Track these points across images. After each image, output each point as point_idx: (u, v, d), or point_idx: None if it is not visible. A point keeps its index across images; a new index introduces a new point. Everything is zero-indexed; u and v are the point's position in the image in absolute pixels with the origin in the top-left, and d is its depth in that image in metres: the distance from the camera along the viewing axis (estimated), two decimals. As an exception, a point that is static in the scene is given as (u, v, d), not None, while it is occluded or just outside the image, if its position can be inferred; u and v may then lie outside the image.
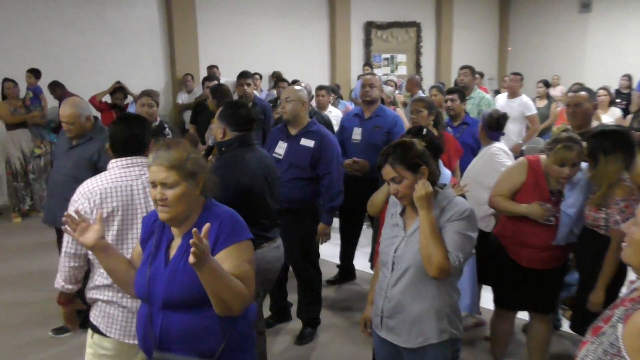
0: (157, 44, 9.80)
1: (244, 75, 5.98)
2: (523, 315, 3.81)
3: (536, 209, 3.19)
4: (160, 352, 2.05)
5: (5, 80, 7.48)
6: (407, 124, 5.12)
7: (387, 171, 2.43)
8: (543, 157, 3.28)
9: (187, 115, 8.90)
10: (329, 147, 4.00)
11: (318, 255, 4.34)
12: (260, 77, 9.90)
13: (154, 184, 2.04)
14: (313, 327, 4.31)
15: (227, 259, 2.00)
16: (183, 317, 2.03)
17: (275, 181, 3.36)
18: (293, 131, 4.07)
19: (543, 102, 8.48)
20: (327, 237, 4.12)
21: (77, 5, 8.84)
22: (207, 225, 1.86)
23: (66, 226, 2.11)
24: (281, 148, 4.09)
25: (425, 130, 3.10)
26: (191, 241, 1.76)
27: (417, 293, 2.42)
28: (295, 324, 4.36)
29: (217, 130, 3.25)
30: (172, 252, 2.12)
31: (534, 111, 7.01)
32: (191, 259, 1.78)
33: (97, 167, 3.86)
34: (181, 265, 2.04)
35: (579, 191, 3.24)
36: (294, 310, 4.45)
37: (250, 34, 10.77)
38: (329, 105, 6.96)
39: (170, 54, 9.92)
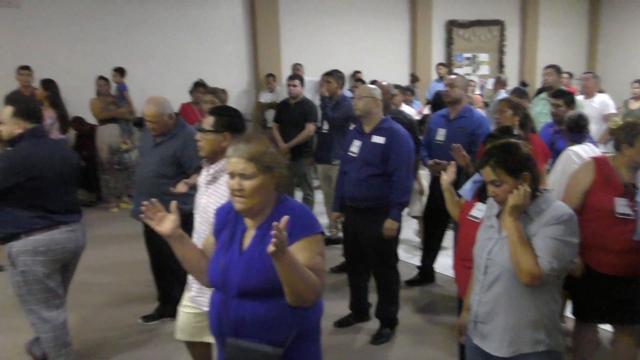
0: (240, 44, 10.04)
1: (329, 74, 6.07)
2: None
3: None
4: (234, 339, 2.13)
5: (99, 78, 7.88)
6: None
7: (487, 173, 2.38)
8: (610, 155, 3.17)
9: (269, 114, 9.09)
10: (398, 143, 4.00)
11: (396, 256, 4.33)
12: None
13: (232, 175, 2.14)
14: (391, 327, 4.30)
15: (300, 251, 2.07)
16: (257, 305, 2.11)
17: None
18: (367, 129, 4.11)
19: (638, 104, 8.05)
20: (393, 233, 4.09)
21: (165, 6, 9.22)
22: (285, 218, 1.93)
23: (144, 214, 2.24)
24: (356, 146, 4.14)
25: (514, 130, 3.03)
26: (272, 232, 1.84)
27: (511, 300, 2.36)
28: (375, 324, 4.37)
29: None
30: (246, 242, 2.20)
31: (612, 110, 6.66)
32: (271, 248, 1.85)
33: (180, 163, 4.03)
34: (256, 255, 2.12)
35: None
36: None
37: (332, 34, 10.85)
38: (402, 104, 6.92)
39: (253, 53, 10.15)
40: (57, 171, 3.44)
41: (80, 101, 7.85)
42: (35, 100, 3.72)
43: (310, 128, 6.40)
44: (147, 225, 4.16)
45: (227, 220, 2.30)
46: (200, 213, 2.95)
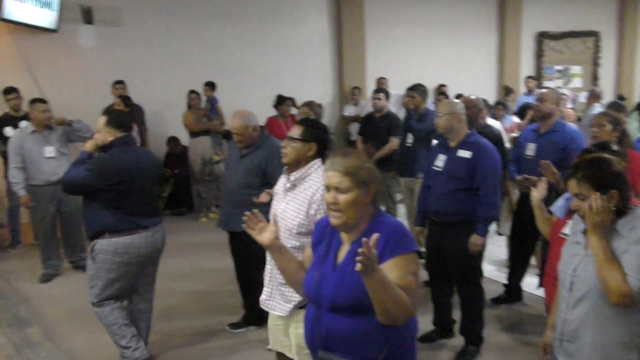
0: (326, 57, 10.20)
1: (412, 89, 6.07)
2: None
3: None
4: (325, 352, 2.16)
5: (191, 92, 8.22)
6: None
7: (572, 186, 2.31)
8: None
9: (353, 127, 9.15)
10: (485, 157, 3.94)
11: (481, 272, 4.25)
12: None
13: (328, 188, 2.17)
14: (476, 345, 4.20)
15: (392, 270, 2.05)
16: (348, 320, 2.11)
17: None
18: (452, 143, 4.08)
19: None
20: (478, 248, 4.01)
21: (255, 23, 9.49)
22: (375, 235, 1.92)
23: (246, 224, 2.32)
24: (440, 160, 4.10)
25: (612, 146, 2.92)
26: (360, 250, 1.84)
27: (598, 319, 2.27)
28: (459, 341, 4.29)
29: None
30: (341, 256, 2.21)
31: None
32: (358, 267, 1.85)
33: (265, 174, 4.15)
34: (349, 270, 2.11)
35: None
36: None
37: (417, 47, 10.81)
38: (487, 118, 6.77)
39: (338, 67, 10.27)
40: (141, 177, 3.74)
41: (173, 115, 8.24)
42: (126, 112, 4.02)
43: (394, 142, 6.40)
44: (232, 234, 4.37)
45: (325, 233, 2.33)
46: (277, 219, 3.01)
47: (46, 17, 7.53)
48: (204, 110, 8.28)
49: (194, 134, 8.19)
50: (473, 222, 3.96)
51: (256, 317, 4.55)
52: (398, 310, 2.00)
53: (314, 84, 9.90)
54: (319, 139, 3.00)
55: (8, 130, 6.55)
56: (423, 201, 4.25)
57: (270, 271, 3.04)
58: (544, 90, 4.83)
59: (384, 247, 2.07)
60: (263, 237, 2.32)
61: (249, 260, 4.26)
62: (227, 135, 8.83)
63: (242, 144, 4.21)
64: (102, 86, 7.85)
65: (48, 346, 3.71)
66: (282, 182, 3.10)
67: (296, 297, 2.91)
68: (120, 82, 7.83)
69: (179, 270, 6.06)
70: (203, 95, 8.54)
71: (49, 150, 5.61)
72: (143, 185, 3.75)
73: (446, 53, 11.09)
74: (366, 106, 9.40)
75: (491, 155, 3.98)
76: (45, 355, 3.54)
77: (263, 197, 4.01)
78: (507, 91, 10.73)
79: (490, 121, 5.77)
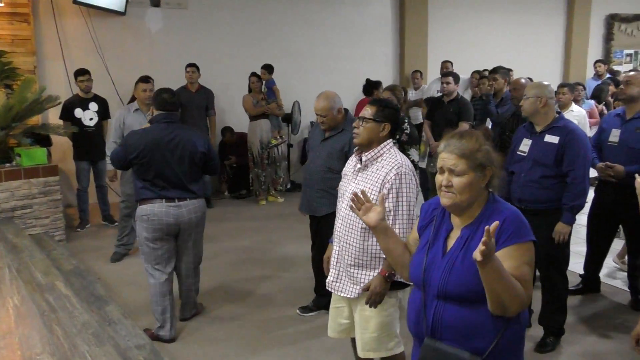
0: (388, 41, 10.07)
1: (494, 71, 5.95)
2: None
3: None
4: (432, 340, 2.08)
5: (252, 74, 8.20)
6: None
7: None
8: None
9: (414, 112, 9.01)
10: (574, 143, 3.78)
11: (567, 262, 4.10)
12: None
13: (441, 170, 2.09)
14: (556, 336, 4.08)
15: (507, 259, 1.95)
16: (457, 309, 2.04)
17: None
18: (538, 128, 3.94)
19: None
20: (563, 237, 3.86)
21: (316, 4, 9.43)
22: (495, 223, 1.81)
23: (351, 204, 2.29)
24: (525, 145, 3.97)
25: None
26: (483, 239, 1.75)
27: None
28: (537, 331, 4.16)
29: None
30: (450, 242, 2.13)
31: None
32: (477, 255, 1.77)
33: (347, 157, 4.05)
34: (459, 257, 2.05)
35: None
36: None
37: (481, 30, 10.58)
38: (572, 104, 6.54)
39: (400, 51, 10.13)
40: (164, 152, 4.01)
41: (237, 97, 8.25)
42: (172, 93, 4.23)
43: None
44: (313, 218, 4.34)
45: (432, 216, 2.25)
46: (347, 200, 2.96)
47: (115, 0, 7.63)
48: (262, 93, 8.27)
49: (252, 117, 8.19)
50: (559, 210, 3.82)
51: (328, 301, 4.51)
52: (512, 302, 1.92)
53: (374, 68, 9.78)
54: (392, 120, 2.96)
55: (78, 112, 6.69)
56: (505, 187, 4.10)
57: (338, 253, 3.03)
58: (631, 73, 4.59)
59: (499, 234, 1.97)
60: (369, 217, 2.25)
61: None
62: (288, 118, 8.84)
63: (325, 126, 4.12)
64: (167, 68, 7.94)
65: (127, 324, 3.75)
66: (351, 163, 3.08)
67: (365, 279, 2.91)
68: (192, 64, 7.86)
69: (245, 254, 6.10)
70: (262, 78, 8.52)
71: None
72: (166, 160, 4.00)
73: (511, 36, 10.83)
74: (428, 91, 9.24)
75: (581, 140, 3.83)
76: (126, 333, 3.58)
77: None
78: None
79: (575, 107, 5.56)
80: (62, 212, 6.25)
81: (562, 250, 3.99)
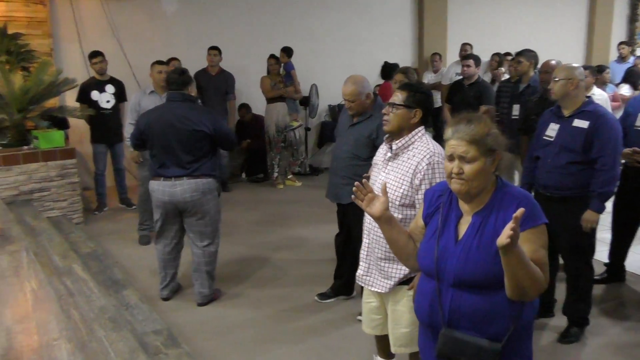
0: (407, 23, 9.92)
1: (520, 54, 5.81)
2: None
3: None
4: (449, 329, 2.04)
5: (270, 56, 8.10)
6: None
7: None
8: None
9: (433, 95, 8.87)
10: (605, 128, 3.65)
11: (593, 251, 3.99)
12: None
13: (451, 157, 2.04)
14: (580, 327, 3.98)
15: (524, 243, 1.91)
16: (473, 297, 2.01)
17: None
18: (566, 112, 3.79)
19: None
20: (592, 225, 3.75)
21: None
22: (521, 210, 1.77)
23: (354, 196, 2.23)
24: (552, 130, 3.83)
25: None
26: (511, 225, 1.72)
27: None
28: (559, 321, 4.08)
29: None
30: (462, 229, 2.08)
31: None
32: (505, 240, 1.73)
33: (375, 145, 3.94)
34: (474, 244, 2.01)
35: None
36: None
37: (502, 12, 10.42)
38: (593, 87, 6.37)
39: (418, 33, 9.97)
40: (163, 131, 4.11)
41: (254, 80, 8.16)
42: (179, 73, 4.26)
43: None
44: (340, 206, 4.26)
45: (439, 203, 2.19)
46: (376, 189, 2.88)
47: (131, -18, 7.57)
48: (280, 76, 8.17)
49: (269, 99, 8.11)
50: (586, 197, 3.71)
51: (346, 286, 4.47)
52: (532, 286, 1.90)
53: (392, 51, 9.66)
54: (423, 105, 2.84)
55: (94, 94, 6.65)
56: (529, 173, 4.00)
57: (368, 246, 2.95)
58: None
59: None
60: (373, 208, 2.20)
61: (354, 232, 4.10)
62: (305, 102, 8.75)
63: (352, 111, 3.99)
64: (184, 50, 7.86)
65: (145, 309, 3.74)
66: (382, 152, 2.97)
67: (397, 274, 2.82)
68: (214, 47, 7.79)
69: (262, 238, 6.05)
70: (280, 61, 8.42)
71: None
72: (167, 137, 4.09)
73: (531, 17, 10.64)
74: (447, 73, 9.09)
75: (612, 125, 3.69)
76: (143, 318, 3.57)
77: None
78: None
79: (597, 90, 5.40)
80: (80, 194, 6.24)
81: (589, 239, 3.87)
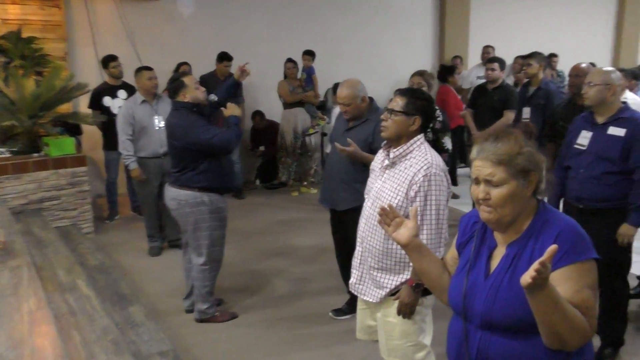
0: (427, 25, 9.69)
1: (529, 56, 5.60)
2: None
3: None
4: None
5: (288, 60, 7.89)
6: None
7: None
8: None
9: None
10: None
11: (629, 266, 3.73)
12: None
13: (477, 181, 1.77)
14: (614, 347, 3.75)
15: (564, 281, 1.64)
16: (504, 341, 1.74)
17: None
18: (600, 119, 3.55)
19: None
20: (629, 239, 3.51)
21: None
22: (554, 247, 1.48)
23: (381, 219, 1.99)
24: (585, 138, 3.59)
25: None
26: (537, 264, 1.44)
27: None
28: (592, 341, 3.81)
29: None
30: (494, 262, 1.82)
31: None
32: (526, 281, 1.46)
33: (371, 149, 3.78)
34: (505, 280, 1.74)
35: None
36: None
37: (525, 13, 10.13)
38: (625, 91, 6.09)
39: (440, 36, 9.73)
40: (165, 137, 4.17)
41: (271, 84, 7.96)
42: (175, 80, 4.08)
43: (509, 116, 5.85)
44: (334, 212, 4.08)
45: (473, 231, 1.93)
46: (372, 198, 2.78)
47: (147, -15, 7.44)
48: (299, 80, 7.95)
49: (287, 104, 7.90)
50: (623, 209, 3.46)
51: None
52: (571, 334, 1.60)
53: (412, 53, 9.47)
54: (424, 113, 2.71)
55: (107, 100, 6.51)
56: (560, 183, 3.75)
57: (361, 254, 2.85)
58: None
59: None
60: (400, 234, 1.94)
61: (350, 240, 3.90)
62: (323, 106, 8.53)
63: (348, 115, 3.90)
64: (200, 55, 7.71)
65: (151, 327, 3.55)
66: (379, 159, 2.86)
67: (389, 284, 2.72)
68: (227, 57, 7.58)
69: (275, 247, 5.86)
70: (301, 64, 8.20)
71: (159, 121, 5.41)
72: (170, 145, 4.07)
73: (557, 19, 10.35)
74: (468, 77, 8.85)
75: None
76: (149, 338, 3.39)
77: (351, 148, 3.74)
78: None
79: (630, 94, 5.13)
80: (91, 203, 6.09)
81: (625, 254, 3.63)
